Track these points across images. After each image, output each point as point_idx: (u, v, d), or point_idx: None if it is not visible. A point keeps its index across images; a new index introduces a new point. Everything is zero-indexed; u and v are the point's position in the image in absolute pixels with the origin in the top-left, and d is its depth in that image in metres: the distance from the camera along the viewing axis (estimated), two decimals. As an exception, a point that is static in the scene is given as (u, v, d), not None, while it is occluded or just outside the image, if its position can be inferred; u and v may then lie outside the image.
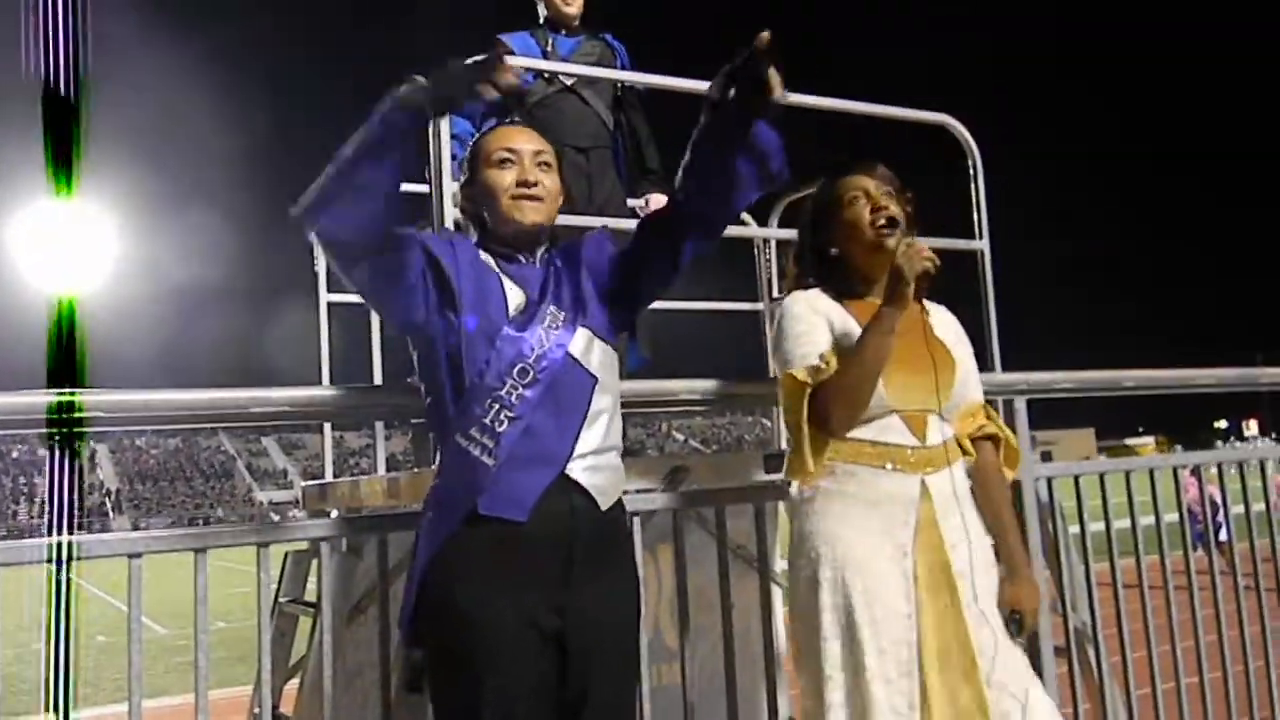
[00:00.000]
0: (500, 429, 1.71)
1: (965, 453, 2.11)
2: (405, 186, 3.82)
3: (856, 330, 2.00)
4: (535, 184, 1.85)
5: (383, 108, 1.64)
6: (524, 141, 1.89)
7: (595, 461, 1.78)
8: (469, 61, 1.67)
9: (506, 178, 1.85)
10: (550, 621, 1.71)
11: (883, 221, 2.03)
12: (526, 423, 1.72)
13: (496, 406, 1.72)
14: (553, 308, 1.81)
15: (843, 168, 2.13)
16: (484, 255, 1.87)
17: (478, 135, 1.98)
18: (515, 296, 1.81)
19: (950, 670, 1.90)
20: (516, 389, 1.73)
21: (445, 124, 2.50)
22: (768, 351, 3.87)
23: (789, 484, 2.10)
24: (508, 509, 1.70)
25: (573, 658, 1.72)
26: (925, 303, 2.16)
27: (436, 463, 1.82)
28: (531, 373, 1.74)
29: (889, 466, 1.96)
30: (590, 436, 1.78)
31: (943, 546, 1.96)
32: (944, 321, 2.20)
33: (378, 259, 1.72)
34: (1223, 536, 7.99)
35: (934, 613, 1.92)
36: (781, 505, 2.53)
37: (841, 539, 1.94)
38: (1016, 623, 2.06)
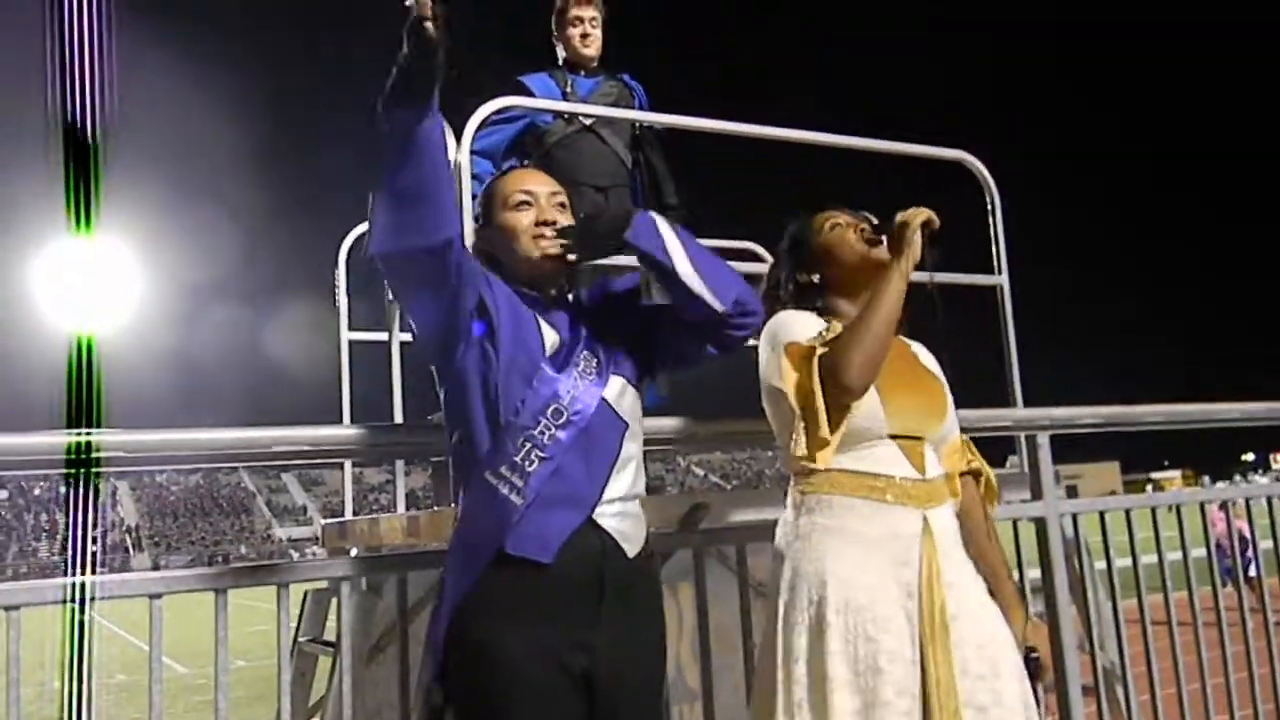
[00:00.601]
0: (530, 468, 1.71)
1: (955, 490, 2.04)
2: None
3: None
4: (553, 223, 1.87)
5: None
6: (539, 183, 1.91)
7: (623, 509, 1.78)
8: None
9: (525, 219, 1.87)
10: (577, 660, 1.69)
11: (870, 235, 2.03)
12: (557, 464, 1.72)
13: (529, 446, 1.72)
14: (585, 353, 1.81)
15: (811, 205, 2.14)
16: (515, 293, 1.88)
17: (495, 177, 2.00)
18: (550, 335, 1.82)
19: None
20: (550, 429, 1.73)
21: (466, 166, 2.52)
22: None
23: (798, 471, 1.95)
24: (533, 549, 1.69)
25: (600, 698, 1.70)
26: (902, 338, 2.12)
27: (458, 505, 1.81)
28: (565, 414, 1.74)
29: (890, 499, 1.88)
30: (619, 483, 1.78)
31: (942, 587, 1.86)
32: (924, 354, 2.17)
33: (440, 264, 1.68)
34: (1252, 572, 7.86)
35: (934, 658, 1.81)
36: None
37: (843, 579, 1.82)
38: (1034, 661, 1.99)
